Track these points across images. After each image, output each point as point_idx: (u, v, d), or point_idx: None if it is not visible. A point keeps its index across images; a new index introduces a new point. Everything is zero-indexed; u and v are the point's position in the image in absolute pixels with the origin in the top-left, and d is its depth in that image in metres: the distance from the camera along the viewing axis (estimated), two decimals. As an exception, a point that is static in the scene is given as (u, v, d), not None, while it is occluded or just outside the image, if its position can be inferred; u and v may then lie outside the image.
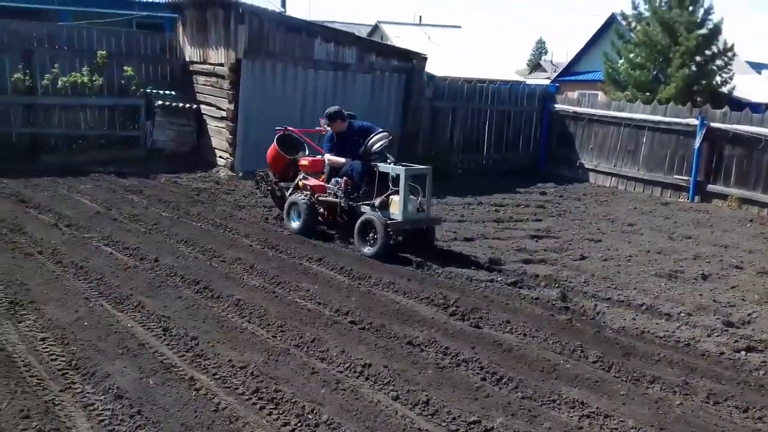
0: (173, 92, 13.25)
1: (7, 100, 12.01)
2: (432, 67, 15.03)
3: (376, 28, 36.46)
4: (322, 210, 8.24)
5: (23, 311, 5.06)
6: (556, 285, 6.82)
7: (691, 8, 20.70)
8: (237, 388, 4.08)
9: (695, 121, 12.86)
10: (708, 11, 20.84)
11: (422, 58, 13.88)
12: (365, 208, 7.72)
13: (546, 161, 16.26)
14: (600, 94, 24.61)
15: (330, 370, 4.43)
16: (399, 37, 31.09)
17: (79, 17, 15.30)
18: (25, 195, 9.32)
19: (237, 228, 8.38)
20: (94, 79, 12.46)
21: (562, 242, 9.01)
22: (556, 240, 9.12)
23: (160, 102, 12.53)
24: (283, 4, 25.19)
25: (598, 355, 5.03)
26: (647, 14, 21.48)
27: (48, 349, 4.39)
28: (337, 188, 8.04)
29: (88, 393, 3.89)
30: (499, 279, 6.85)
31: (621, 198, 13.13)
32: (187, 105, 12.81)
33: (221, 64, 12.35)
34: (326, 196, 8.19)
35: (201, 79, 13.20)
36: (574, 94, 24.24)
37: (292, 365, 4.44)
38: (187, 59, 13.67)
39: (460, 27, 38.53)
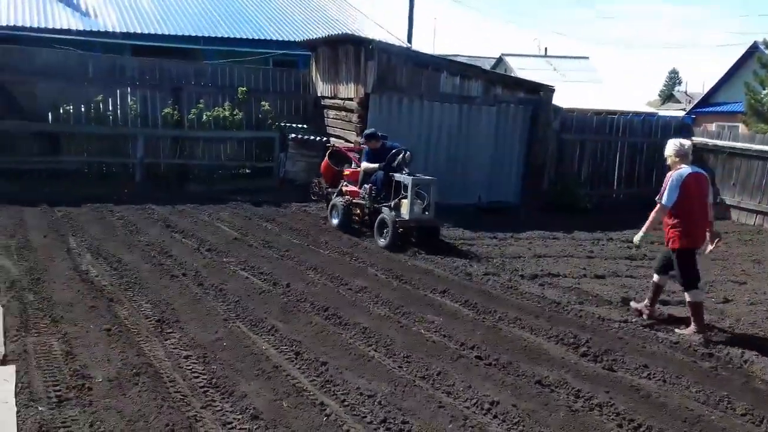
0: (305, 125, 13.87)
1: (157, 134, 13.09)
2: (558, 99, 14.75)
3: (500, 61, 36.39)
4: (356, 210, 10.19)
5: (169, 329, 5.41)
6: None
7: None
8: (365, 417, 4.13)
9: None
10: None
11: (549, 90, 13.66)
12: (384, 209, 9.43)
13: (682, 196, 15.37)
14: (740, 126, 23.06)
15: (457, 405, 4.38)
16: (523, 69, 30.86)
17: (222, 56, 16.46)
18: (171, 221, 10.04)
19: (362, 257, 8.56)
20: (234, 113, 13.32)
21: (702, 284, 8.42)
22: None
23: (292, 135, 13.15)
24: (409, 40, 25.86)
25: (746, 407, 4.63)
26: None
27: (191, 367, 4.67)
28: (365, 193, 9.81)
29: (227, 411, 4.08)
30: (634, 320, 6.51)
31: (767, 238, 12.13)
32: (318, 138, 13.34)
33: (350, 99, 12.79)
34: (358, 200, 10.06)
35: (331, 113, 13.73)
36: (711, 127, 22.87)
37: (418, 397, 4.43)
38: (319, 94, 14.28)
39: (587, 58, 37.58)
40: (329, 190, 11.01)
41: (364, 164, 10.16)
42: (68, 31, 16.07)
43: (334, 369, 4.78)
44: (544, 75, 26.21)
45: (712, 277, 8.75)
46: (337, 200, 10.27)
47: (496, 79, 13.45)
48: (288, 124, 13.68)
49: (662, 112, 35.90)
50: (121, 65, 13.26)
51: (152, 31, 17.14)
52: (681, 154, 6.46)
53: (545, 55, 40.32)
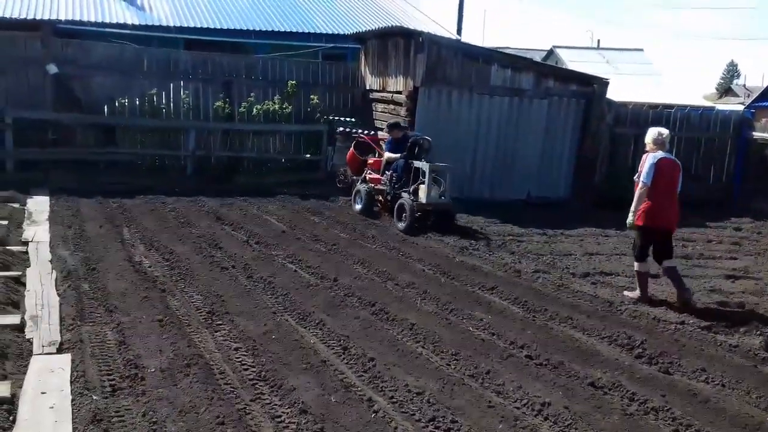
0: (353, 119, 13.86)
1: (208, 126, 13.28)
2: (611, 93, 14.37)
3: (551, 53, 35.68)
4: (378, 197, 10.75)
5: (219, 321, 5.47)
6: (758, 332, 6.12)
7: None
8: (413, 414, 4.08)
9: None
10: None
11: (603, 83, 13.32)
12: (403, 194, 9.96)
13: (740, 193, 14.81)
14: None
15: (507, 406, 4.29)
16: (575, 62, 30.17)
17: (273, 50, 16.57)
18: (221, 213, 10.17)
19: (409, 252, 8.51)
20: (284, 106, 13.41)
21: (763, 285, 8.10)
22: (756, 282, 8.21)
23: (340, 128, 13.15)
24: (459, 32, 25.64)
25: (812, 416, 4.41)
26: None
27: (240, 359, 4.70)
28: (386, 180, 10.46)
29: (276, 405, 4.09)
30: (691, 322, 6.28)
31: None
32: (365, 131, 13.32)
33: (399, 92, 12.72)
34: (380, 186, 10.65)
35: (379, 106, 13.69)
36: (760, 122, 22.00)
37: (467, 396, 4.36)
38: (367, 87, 14.26)
39: (642, 50, 36.51)
40: (354, 178, 11.56)
41: (387, 154, 10.72)
42: (124, 26, 16.41)
43: (381, 365, 4.75)
44: (596, 68, 25.54)
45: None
46: (361, 187, 10.89)
47: (547, 71, 13.20)
48: (336, 118, 13.70)
49: (720, 106, 34.67)
50: (174, 59, 13.48)
51: (205, 25, 17.35)
52: (658, 142, 7.02)
53: (598, 47, 39.36)
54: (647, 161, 6.88)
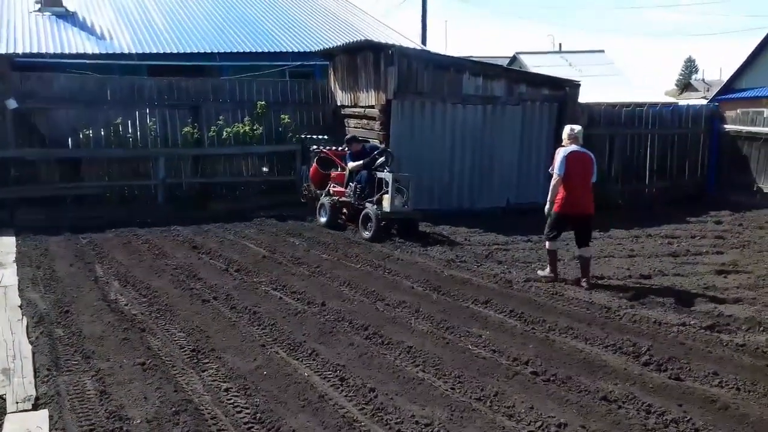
0: (326, 136, 13.60)
1: (178, 153, 12.91)
2: (578, 95, 14.38)
3: (514, 60, 35.95)
4: (343, 209, 11.04)
5: (205, 359, 5.14)
6: (762, 329, 5.99)
7: None
8: (424, 448, 3.82)
9: None
10: None
11: (575, 85, 13.31)
12: (368, 205, 10.23)
13: (716, 187, 14.92)
14: (766, 111, 22.39)
15: (521, 430, 4.05)
16: (538, 67, 30.33)
17: (238, 71, 16.28)
18: (197, 241, 9.82)
19: (396, 269, 8.26)
20: (254, 128, 13.11)
21: (755, 278, 8.03)
22: (747, 276, 8.15)
23: (314, 147, 12.87)
24: (424, 43, 25.58)
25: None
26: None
27: (232, 401, 4.38)
28: (350, 192, 10.69)
29: (275, 450, 3.80)
30: (692, 322, 6.13)
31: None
32: (339, 148, 13.06)
33: (371, 106, 12.52)
34: (345, 198, 10.89)
35: (352, 122, 13.47)
36: (733, 113, 22.30)
37: (479, 423, 4.11)
38: (338, 103, 14.03)
39: (603, 51, 37.00)
40: (318, 192, 11.85)
41: (350, 164, 10.96)
42: (84, 56, 15.98)
43: (383, 395, 4.47)
44: (560, 71, 25.70)
45: (762, 271, 8.34)
46: (325, 200, 11.17)
47: (519, 77, 13.12)
48: (309, 136, 13.43)
49: (682, 101, 35.19)
50: (139, 86, 13.09)
51: (168, 50, 16.99)
52: (572, 137, 7.74)
53: (560, 51, 39.78)
54: (559, 155, 7.59)
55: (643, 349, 5.32)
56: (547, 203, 7.71)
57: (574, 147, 7.63)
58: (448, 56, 12.87)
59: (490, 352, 5.39)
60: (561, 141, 12.91)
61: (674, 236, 10.80)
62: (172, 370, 4.91)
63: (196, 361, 5.12)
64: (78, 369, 4.90)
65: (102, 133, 12.57)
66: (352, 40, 15.85)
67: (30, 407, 4.25)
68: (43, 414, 4.12)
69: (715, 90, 45.25)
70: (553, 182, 7.62)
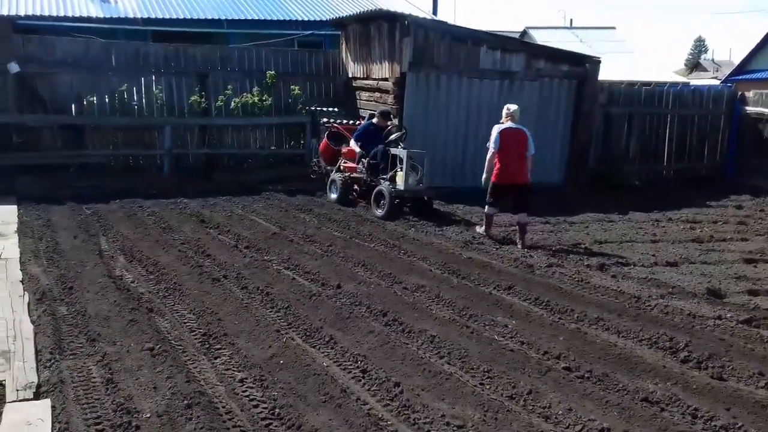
0: (336, 109, 13.21)
1: (185, 122, 12.52)
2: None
3: (524, 34, 35.15)
4: (354, 186, 10.64)
5: (218, 345, 4.85)
6: (800, 324, 5.68)
7: None
8: (458, 453, 3.53)
9: None
10: None
11: (595, 62, 12.84)
12: (381, 182, 9.90)
13: (735, 170, 14.52)
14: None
15: (561, 434, 3.76)
16: (548, 42, 29.52)
17: (245, 40, 15.79)
18: (205, 215, 9.49)
19: (411, 250, 7.94)
20: (263, 99, 12.69)
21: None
22: (778, 265, 7.82)
23: (324, 119, 12.49)
24: (435, 14, 24.92)
25: None
26: None
27: (248, 393, 4.08)
28: (363, 168, 10.36)
29: (297, 450, 3.51)
30: (729, 315, 5.81)
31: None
32: (351, 121, 12.67)
33: (385, 79, 12.10)
34: (356, 175, 10.56)
35: (364, 94, 13.05)
36: (752, 94, 21.79)
37: (515, 426, 3.81)
38: (350, 75, 13.60)
39: (614, 28, 36.22)
40: (328, 168, 11.41)
41: (352, 144, 10.69)
42: (88, 19, 15.49)
43: (409, 391, 4.18)
44: (571, 47, 25.02)
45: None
46: (336, 176, 10.79)
47: (538, 52, 12.65)
48: (319, 108, 13.04)
49: (694, 82, 34.57)
50: (144, 52, 12.64)
51: (174, 16, 16.48)
52: (508, 115, 8.63)
53: (571, 27, 38.97)
54: (494, 131, 8.52)
55: (681, 345, 5.01)
56: (484, 173, 8.64)
57: (509, 124, 8.51)
58: (466, 28, 12.38)
59: (518, 344, 5.09)
60: (580, 119, 12.78)
61: (695, 221, 10.46)
62: (183, 356, 4.62)
63: (207, 346, 4.83)
64: (83, 353, 4.60)
65: (106, 100, 12.19)
66: (364, 10, 15.33)
67: (31, 395, 3.97)
68: (45, 404, 3.83)
69: (724, 70, 44.41)
70: (488, 156, 8.54)
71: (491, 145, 8.45)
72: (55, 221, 8.83)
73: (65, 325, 5.13)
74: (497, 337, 5.22)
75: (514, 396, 4.19)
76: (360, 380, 4.35)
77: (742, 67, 33.20)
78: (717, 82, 32.29)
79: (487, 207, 8.84)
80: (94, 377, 4.20)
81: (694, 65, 67.31)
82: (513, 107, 8.68)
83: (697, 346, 5.04)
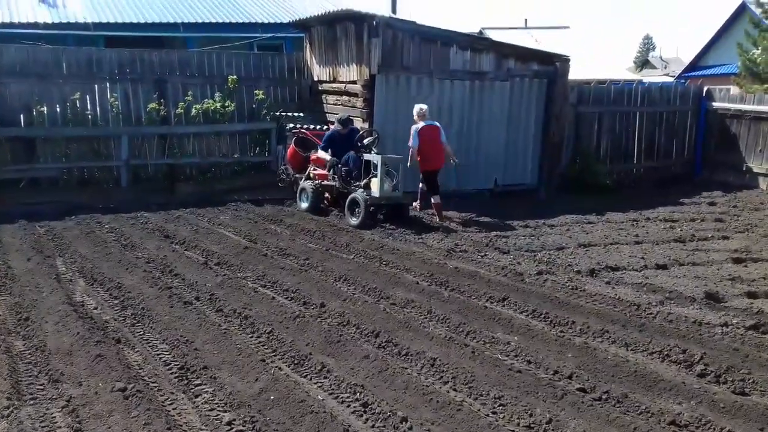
0: (302, 114, 12.73)
1: (142, 131, 11.86)
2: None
3: (480, 35, 35.20)
4: (326, 194, 10.35)
5: (197, 380, 4.36)
6: (808, 329, 5.48)
7: None
8: (482, 499, 3.14)
9: None
10: None
11: (565, 60, 12.61)
12: (354, 189, 9.60)
13: (703, 167, 14.57)
14: (732, 88, 22.26)
15: (592, 470, 3.41)
16: (505, 43, 29.71)
17: (204, 44, 15.19)
18: (169, 230, 8.93)
19: (393, 260, 7.55)
20: (226, 104, 12.13)
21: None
22: (766, 265, 7.67)
23: (290, 125, 11.99)
24: (394, 13, 24.60)
25: None
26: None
27: (239, 439, 3.63)
28: (335, 175, 10.02)
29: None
30: (734, 321, 5.58)
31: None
32: (318, 126, 12.21)
33: (353, 82, 11.67)
34: (327, 182, 10.22)
35: (331, 98, 12.60)
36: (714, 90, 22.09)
37: (542, 463, 3.45)
38: (316, 78, 13.13)
39: (568, 27, 36.55)
40: (297, 176, 11.03)
41: (320, 152, 10.45)
42: (35, 25, 14.68)
43: (419, 426, 3.77)
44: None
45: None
46: (306, 184, 10.42)
47: (508, 51, 12.37)
48: (285, 114, 12.53)
49: (646, 79, 35.10)
50: (98, 58, 11.90)
51: (126, 20, 15.77)
52: (420, 115, 9.84)
53: (526, 27, 39.15)
54: (412, 131, 9.69)
55: (696, 358, 4.73)
56: (409, 162, 9.79)
57: (422, 123, 9.72)
58: (436, 28, 12.02)
59: (524, 363, 4.74)
60: (551, 119, 12.57)
61: (673, 219, 10.35)
62: (160, 396, 4.12)
63: (186, 382, 4.34)
64: (44, 397, 4.07)
65: (58, 109, 11.45)
66: (327, 11, 14.86)
67: (-14, 455, 3.44)
68: (4, 465, 3.31)
69: (672, 67, 45.21)
70: (411, 153, 9.78)
71: (413, 144, 9.64)
72: (6, 242, 8.16)
73: (23, 363, 4.57)
74: (501, 356, 4.86)
75: (533, 426, 3.82)
76: (362, 415, 3.93)
77: (695, 64, 33.87)
78: (671, 79, 32.85)
79: (434, 197, 9.86)
80: (60, 427, 3.68)
81: (643, 62, 68.74)
82: (424, 107, 9.86)
83: (712, 357, 4.76)
